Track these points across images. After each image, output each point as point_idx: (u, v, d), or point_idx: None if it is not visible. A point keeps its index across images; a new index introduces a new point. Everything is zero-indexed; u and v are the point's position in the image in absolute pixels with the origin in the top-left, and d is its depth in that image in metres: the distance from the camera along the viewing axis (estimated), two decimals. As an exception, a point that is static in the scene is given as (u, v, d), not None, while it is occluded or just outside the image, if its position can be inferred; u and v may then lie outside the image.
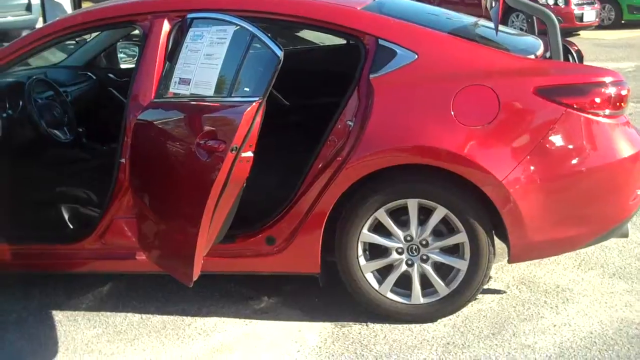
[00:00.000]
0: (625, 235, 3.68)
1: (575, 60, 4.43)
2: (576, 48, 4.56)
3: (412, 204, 3.46)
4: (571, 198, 3.42)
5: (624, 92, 3.44)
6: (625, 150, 3.43)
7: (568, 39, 4.69)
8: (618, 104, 3.42)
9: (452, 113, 3.32)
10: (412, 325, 3.58)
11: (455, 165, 3.34)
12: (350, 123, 3.46)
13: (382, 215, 3.49)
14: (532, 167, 3.32)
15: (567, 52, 4.44)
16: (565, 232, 3.45)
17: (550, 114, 3.34)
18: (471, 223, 3.42)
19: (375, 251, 3.60)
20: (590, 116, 3.35)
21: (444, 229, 3.52)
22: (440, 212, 3.45)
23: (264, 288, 4.01)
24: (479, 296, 3.77)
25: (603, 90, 3.39)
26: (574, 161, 3.36)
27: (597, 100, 3.36)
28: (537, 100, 3.33)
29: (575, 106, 3.33)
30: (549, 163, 3.34)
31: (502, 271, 4.07)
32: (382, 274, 3.61)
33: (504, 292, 3.87)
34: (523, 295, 3.83)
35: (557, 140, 3.34)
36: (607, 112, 3.39)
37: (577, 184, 3.39)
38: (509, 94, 3.35)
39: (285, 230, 3.60)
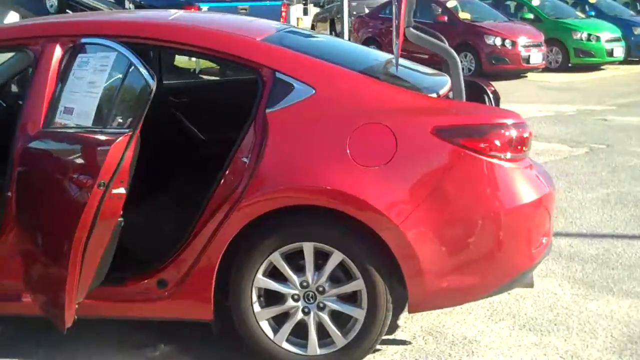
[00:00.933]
0: (530, 286, 3.53)
1: (490, 101, 4.32)
2: (492, 89, 4.45)
3: (308, 248, 3.27)
4: (470, 245, 3.25)
5: (525, 135, 3.32)
6: (527, 195, 3.29)
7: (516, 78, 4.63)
8: (519, 147, 3.29)
9: (349, 152, 3.16)
10: (309, 377, 3.37)
11: (350, 207, 3.16)
12: (245, 160, 3.27)
13: (277, 259, 3.29)
14: (430, 211, 3.16)
15: (482, 92, 4.34)
16: (465, 281, 3.28)
17: (448, 156, 3.19)
18: (368, 269, 3.23)
19: (271, 298, 3.39)
20: (489, 159, 3.20)
21: (343, 275, 3.32)
22: (336, 257, 3.26)
23: (163, 334, 3.75)
24: (383, 347, 3.58)
25: (503, 132, 3.25)
26: (473, 206, 3.21)
27: (497, 142, 3.23)
28: (434, 141, 3.18)
29: (473, 148, 3.18)
30: (447, 207, 3.19)
31: (411, 320, 3.88)
32: (278, 322, 3.40)
33: (410, 342, 3.68)
34: (428, 346, 3.64)
35: (455, 183, 3.19)
36: (508, 155, 3.25)
37: (476, 230, 3.23)
38: (406, 133, 3.20)
39: (177, 273, 3.38)
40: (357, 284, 3.27)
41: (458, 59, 3.42)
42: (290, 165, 3.23)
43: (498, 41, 15.13)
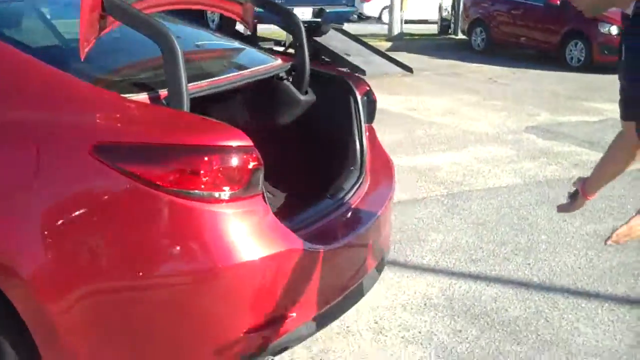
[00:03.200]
0: None
1: (357, 108, 3.24)
2: (365, 89, 3.40)
3: None
4: (135, 323, 2.23)
5: (249, 166, 2.23)
6: (237, 253, 2.21)
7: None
8: (234, 183, 2.21)
9: None
10: None
11: None
12: None
13: None
14: (73, 264, 2.16)
15: (347, 93, 3.28)
16: None
17: (108, 188, 2.17)
18: None
19: None
20: (174, 197, 2.15)
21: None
22: None
23: None
24: None
25: (202, 159, 2.18)
26: (140, 268, 2.17)
27: (189, 173, 2.16)
28: (93, 164, 2.16)
29: (147, 179, 2.14)
30: (97, 262, 2.18)
31: None
32: None
33: None
34: None
35: (113, 229, 2.17)
36: (216, 194, 2.18)
37: (143, 302, 2.20)
38: (55, 150, 2.20)
39: None
40: None
41: (175, 45, 2.33)
42: None
43: (614, 30, 13.20)
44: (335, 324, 3.23)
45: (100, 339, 2.20)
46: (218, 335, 2.24)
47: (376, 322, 3.48)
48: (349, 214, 2.83)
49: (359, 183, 3.06)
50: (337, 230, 2.69)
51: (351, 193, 2.94)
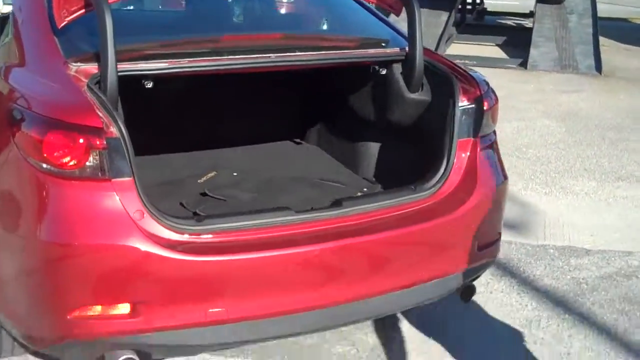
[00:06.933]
0: None
1: (453, 113, 2.77)
2: (477, 93, 2.81)
3: None
4: None
5: (73, 142, 2.22)
6: (49, 230, 2.25)
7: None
8: (65, 160, 2.23)
9: None
10: None
11: None
12: None
13: None
14: None
15: (449, 96, 2.82)
16: None
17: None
18: None
19: None
20: (25, 162, 2.31)
21: None
22: None
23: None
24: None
25: (40, 129, 2.28)
26: None
27: (30, 139, 2.30)
28: None
29: (14, 142, 2.35)
30: None
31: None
32: None
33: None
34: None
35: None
36: (44, 165, 2.26)
37: None
38: None
39: None
40: None
41: (106, 18, 2.39)
42: None
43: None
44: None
45: None
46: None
47: None
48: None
49: (391, 204, 2.61)
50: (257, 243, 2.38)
51: (340, 210, 2.53)
